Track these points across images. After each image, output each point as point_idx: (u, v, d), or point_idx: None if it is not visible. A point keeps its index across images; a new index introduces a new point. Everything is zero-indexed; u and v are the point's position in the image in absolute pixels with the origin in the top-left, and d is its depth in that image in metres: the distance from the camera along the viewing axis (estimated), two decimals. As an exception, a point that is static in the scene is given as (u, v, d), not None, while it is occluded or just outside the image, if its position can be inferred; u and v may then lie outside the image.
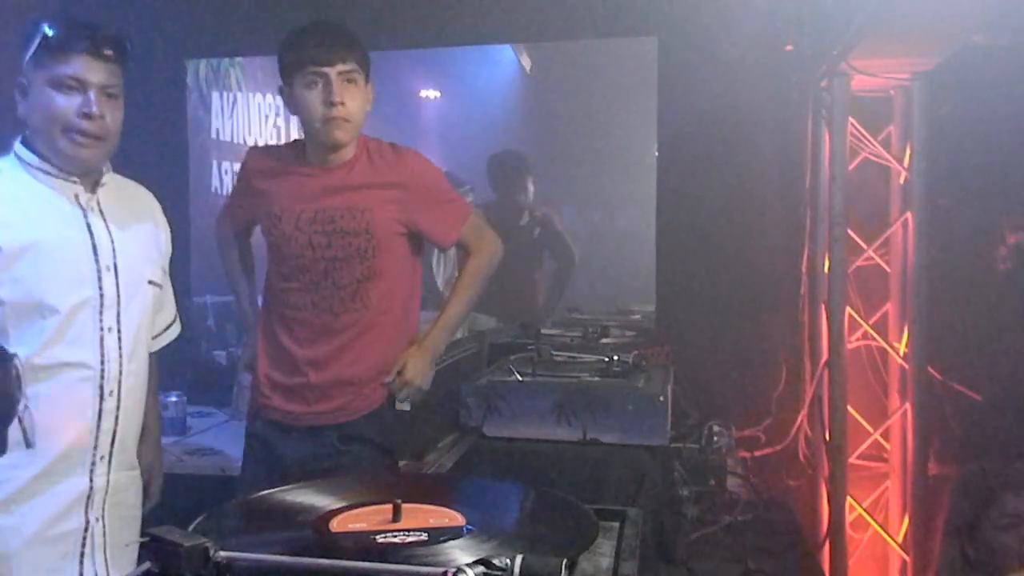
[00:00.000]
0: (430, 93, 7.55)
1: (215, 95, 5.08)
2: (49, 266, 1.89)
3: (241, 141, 5.38)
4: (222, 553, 1.11)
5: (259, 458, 2.39)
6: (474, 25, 4.01)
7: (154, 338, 2.20)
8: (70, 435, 1.91)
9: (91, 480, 1.95)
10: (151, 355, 2.21)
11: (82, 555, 1.94)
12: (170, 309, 2.26)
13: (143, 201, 2.17)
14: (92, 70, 1.90)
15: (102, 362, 1.94)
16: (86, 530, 1.95)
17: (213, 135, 5.12)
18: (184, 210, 4.13)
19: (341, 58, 2.24)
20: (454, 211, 2.44)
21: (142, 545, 1.13)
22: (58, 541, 1.92)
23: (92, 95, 1.90)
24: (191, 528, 1.26)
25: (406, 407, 2.40)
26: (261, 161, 2.42)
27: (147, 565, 1.14)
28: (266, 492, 1.49)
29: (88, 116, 1.90)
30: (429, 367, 2.39)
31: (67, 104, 1.90)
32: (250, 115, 5.55)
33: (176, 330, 2.29)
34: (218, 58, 4.86)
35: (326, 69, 2.23)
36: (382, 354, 2.37)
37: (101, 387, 1.94)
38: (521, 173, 4.72)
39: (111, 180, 2.05)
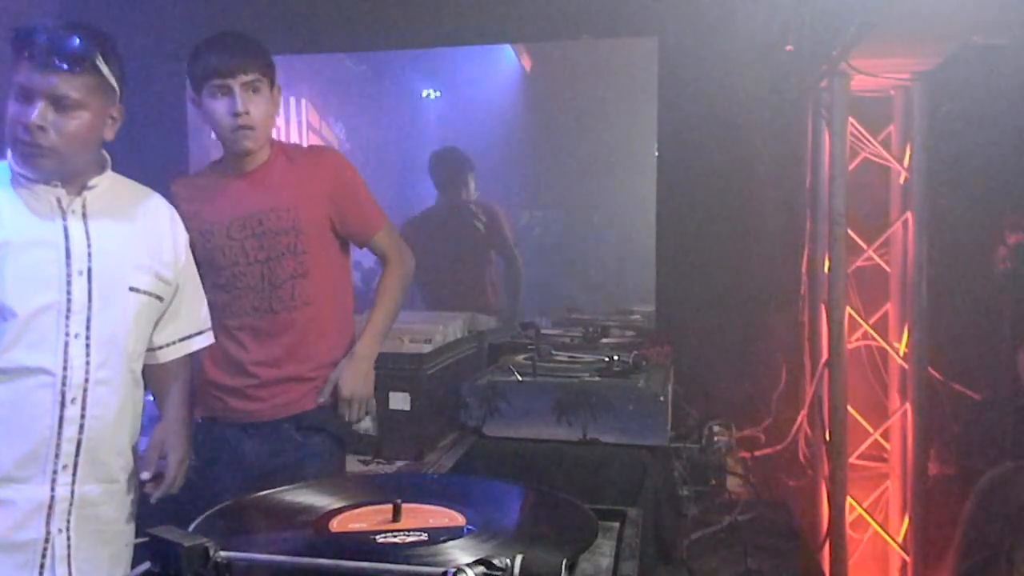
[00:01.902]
0: (430, 93, 7.56)
1: (215, 95, 5.07)
2: (13, 268, 1.85)
3: (241, 141, 5.37)
4: (222, 553, 1.12)
5: (221, 460, 2.39)
6: (474, 25, 4.01)
7: (162, 348, 2.14)
8: (27, 442, 1.86)
9: (52, 490, 1.88)
10: (178, 360, 2.17)
11: (42, 566, 1.88)
12: (189, 320, 2.18)
13: (145, 206, 2.09)
14: (37, 79, 1.83)
15: (65, 368, 1.88)
16: (47, 541, 1.88)
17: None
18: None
19: (243, 68, 2.29)
20: (374, 208, 2.50)
21: (142, 545, 1.13)
22: (16, 550, 1.86)
23: (36, 105, 1.83)
24: (191, 528, 1.26)
25: (367, 430, 2.44)
26: (185, 188, 2.46)
27: (147, 565, 1.14)
28: (266, 492, 1.49)
29: (26, 128, 1.83)
30: (365, 376, 2.41)
31: (14, 113, 1.85)
32: (250, 115, 5.53)
33: (202, 341, 2.22)
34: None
35: (229, 81, 2.28)
36: (329, 348, 2.42)
37: (63, 393, 1.88)
38: (463, 170, 4.72)
39: (106, 183, 2.00)
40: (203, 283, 2.32)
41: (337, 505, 1.41)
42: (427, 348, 2.82)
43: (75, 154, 1.91)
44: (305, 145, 2.52)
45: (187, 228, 2.32)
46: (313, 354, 2.39)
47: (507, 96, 7.21)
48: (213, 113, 2.32)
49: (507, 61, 7.18)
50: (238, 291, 2.36)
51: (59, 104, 1.85)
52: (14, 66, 1.85)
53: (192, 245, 2.31)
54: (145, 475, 2.06)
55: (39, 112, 1.84)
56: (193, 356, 2.25)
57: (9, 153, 1.93)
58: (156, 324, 2.11)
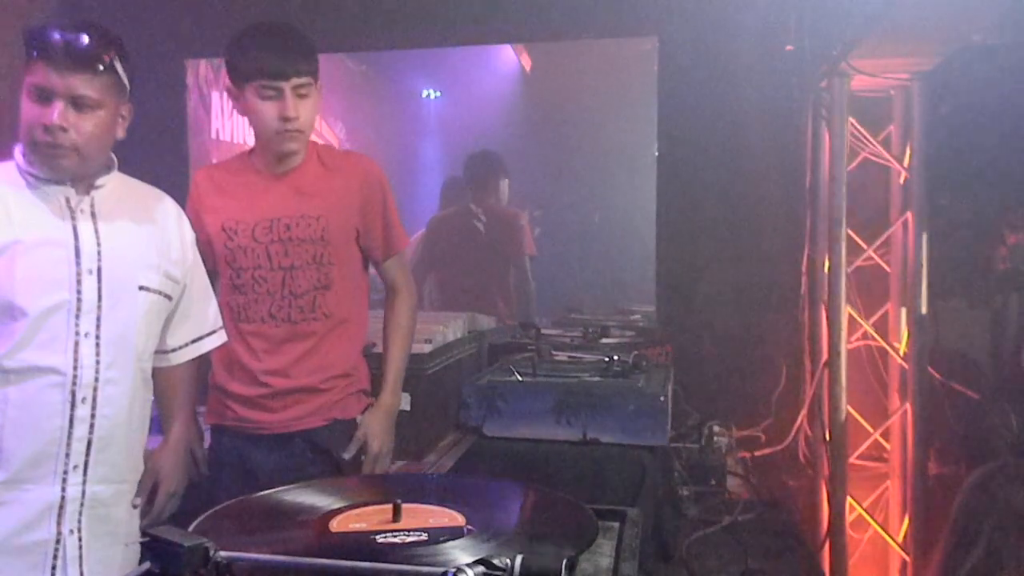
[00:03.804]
0: (430, 93, 7.57)
1: (215, 95, 5.08)
2: (23, 267, 1.85)
3: (241, 141, 5.38)
4: (222, 553, 1.11)
5: (227, 469, 2.35)
6: (474, 25, 4.01)
7: (175, 351, 2.13)
8: (38, 441, 1.86)
9: (63, 490, 1.87)
10: (186, 364, 2.16)
11: (53, 568, 1.87)
12: (199, 321, 2.17)
13: (152, 205, 2.09)
14: (55, 79, 1.82)
15: (75, 368, 1.88)
16: (57, 542, 1.87)
17: (213, 135, 5.13)
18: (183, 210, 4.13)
19: (297, 72, 2.21)
20: (400, 227, 2.44)
21: (142, 545, 1.13)
22: (26, 552, 1.85)
23: (56, 106, 1.83)
24: (191, 528, 1.26)
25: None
26: (211, 178, 2.40)
27: (147, 565, 1.14)
28: (266, 492, 1.49)
29: (47, 128, 1.83)
30: (390, 429, 2.39)
31: (33, 114, 1.85)
32: (250, 115, 5.54)
33: (214, 341, 2.21)
34: (218, 58, 4.87)
35: (281, 83, 2.20)
36: (341, 359, 2.36)
37: (73, 393, 1.87)
38: (496, 174, 4.72)
39: (114, 182, 2.00)
40: (219, 281, 2.32)
41: (337, 505, 1.41)
42: (427, 348, 2.82)
43: (94, 153, 1.92)
44: (339, 149, 2.43)
45: (208, 221, 2.30)
46: (326, 365, 2.33)
47: (507, 96, 7.22)
48: (259, 113, 2.24)
49: (507, 61, 7.19)
50: (256, 295, 2.30)
51: (78, 104, 1.85)
52: (29, 67, 1.84)
53: (210, 240, 2.30)
54: (137, 501, 2.05)
55: (60, 113, 1.84)
56: (204, 361, 2.25)
57: (16, 153, 1.94)
58: (167, 326, 2.10)
